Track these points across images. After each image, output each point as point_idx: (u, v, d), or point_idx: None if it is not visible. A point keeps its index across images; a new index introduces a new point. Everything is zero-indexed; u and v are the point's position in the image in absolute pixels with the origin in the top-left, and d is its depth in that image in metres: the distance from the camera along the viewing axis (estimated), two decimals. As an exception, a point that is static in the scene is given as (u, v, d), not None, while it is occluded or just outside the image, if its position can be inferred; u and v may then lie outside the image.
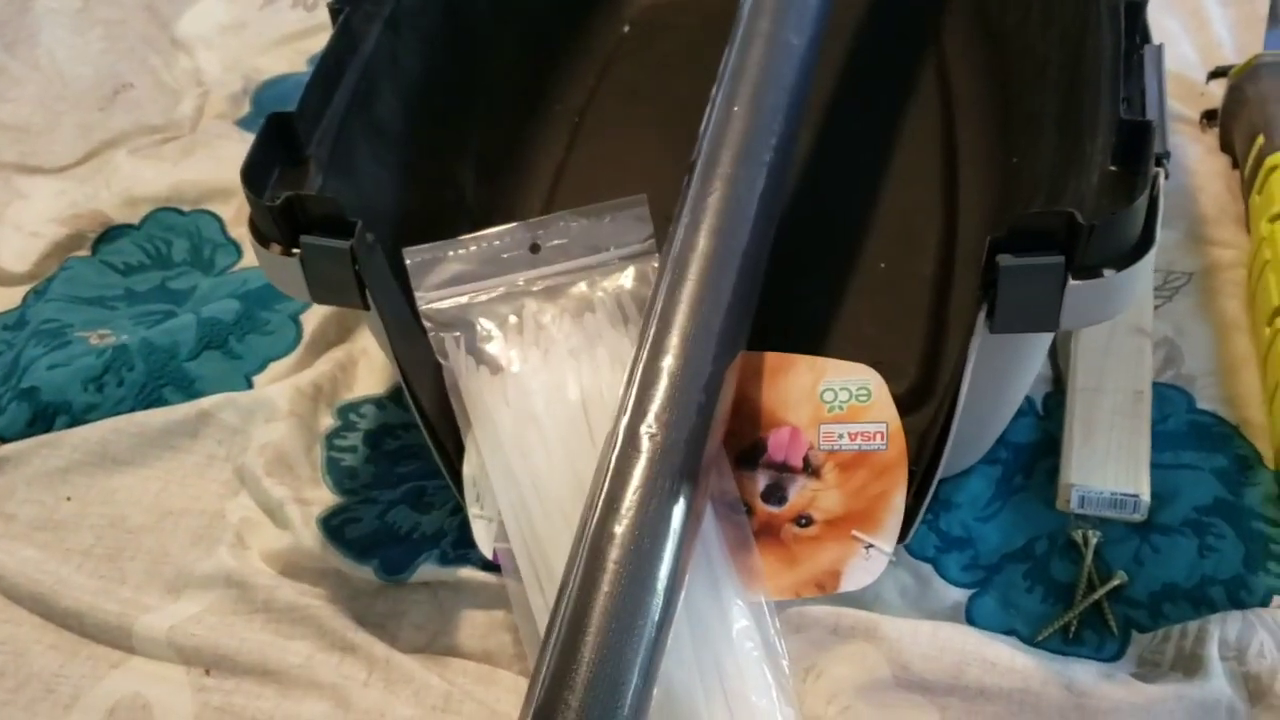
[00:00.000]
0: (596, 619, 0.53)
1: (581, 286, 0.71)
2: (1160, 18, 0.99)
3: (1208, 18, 1.00)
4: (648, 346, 0.60)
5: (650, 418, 0.58)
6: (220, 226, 0.92)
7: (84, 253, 0.92)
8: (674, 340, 0.60)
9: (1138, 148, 0.58)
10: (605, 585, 0.54)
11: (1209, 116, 0.92)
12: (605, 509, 0.56)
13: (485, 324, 0.70)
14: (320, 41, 0.72)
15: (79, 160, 0.99)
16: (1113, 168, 0.59)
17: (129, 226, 0.93)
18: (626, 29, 0.97)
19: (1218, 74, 0.92)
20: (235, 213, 0.92)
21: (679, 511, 0.56)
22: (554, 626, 0.54)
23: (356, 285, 0.61)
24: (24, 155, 1.00)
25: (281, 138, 0.65)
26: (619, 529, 0.55)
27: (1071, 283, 0.55)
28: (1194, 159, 0.90)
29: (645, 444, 0.57)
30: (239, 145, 0.95)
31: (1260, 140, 0.82)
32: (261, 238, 0.63)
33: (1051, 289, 0.55)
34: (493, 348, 0.69)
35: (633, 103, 0.92)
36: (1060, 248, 0.55)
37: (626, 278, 0.71)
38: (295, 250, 0.61)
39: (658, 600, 0.54)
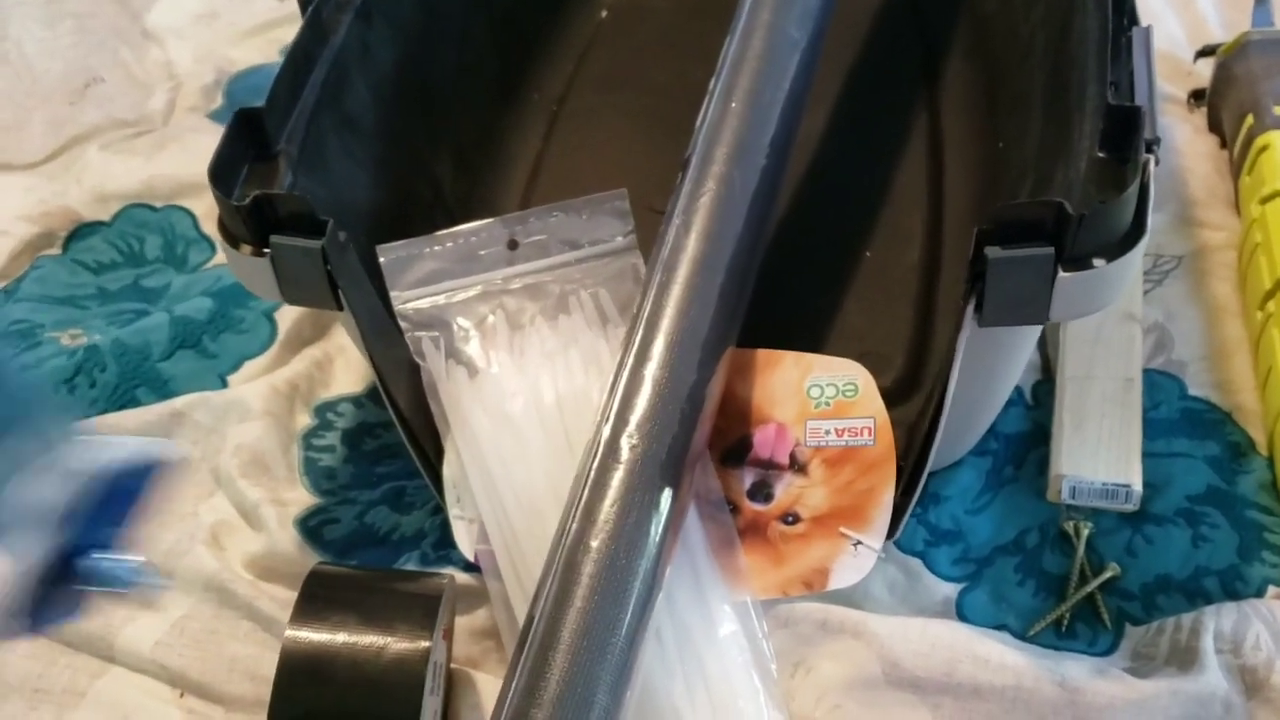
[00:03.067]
0: (568, 635, 0.52)
1: (560, 284, 0.69)
2: (1146, -5, 0.98)
3: (1194, -5, 0.99)
4: (633, 352, 0.58)
5: (632, 427, 0.57)
6: (193, 222, 0.91)
7: (55, 251, 0.90)
8: (659, 347, 0.58)
9: (1127, 134, 0.56)
10: (579, 601, 0.53)
11: (1197, 96, 0.90)
12: (583, 521, 0.55)
13: (463, 323, 0.68)
14: (294, 31, 0.70)
15: (49, 156, 0.97)
16: (1101, 154, 0.58)
17: (100, 224, 0.91)
18: (603, 14, 0.96)
19: (1205, 53, 0.90)
20: (208, 208, 0.91)
21: (658, 524, 0.55)
22: (526, 639, 0.53)
23: (329, 286, 0.60)
24: (-8, 151, 0.98)
25: (250, 134, 0.64)
26: (595, 543, 0.54)
27: (1061, 274, 0.54)
28: (1182, 139, 0.88)
29: (626, 454, 0.56)
30: (211, 139, 0.91)
31: (1250, 120, 0.81)
32: (231, 238, 0.62)
33: (1041, 281, 0.54)
34: (471, 348, 0.68)
35: (611, 90, 0.90)
36: (1049, 238, 0.54)
37: (606, 275, 0.69)
38: (266, 250, 0.60)
39: (631, 617, 0.53)
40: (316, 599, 0.59)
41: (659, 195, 0.69)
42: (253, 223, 0.60)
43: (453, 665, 0.65)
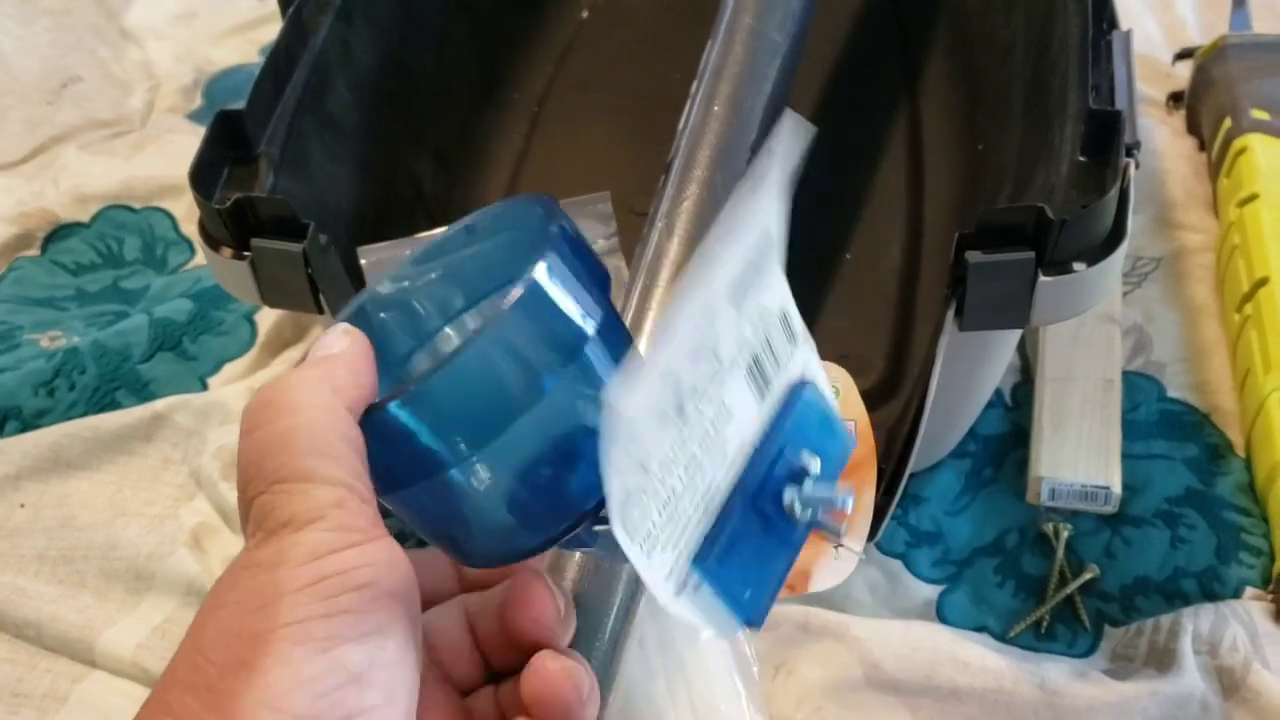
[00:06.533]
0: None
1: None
2: (1125, -2, 0.98)
3: (1172, -3, 0.99)
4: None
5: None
6: (172, 224, 0.90)
7: (33, 252, 0.90)
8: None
9: (1107, 138, 0.57)
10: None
11: (1175, 98, 0.91)
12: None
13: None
14: (274, 31, 0.70)
15: (26, 156, 0.97)
16: (1081, 158, 0.58)
17: (79, 225, 0.91)
18: (585, 15, 0.96)
19: (1184, 55, 0.91)
20: (187, 210, 0.90)
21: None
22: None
23: (310, 289, 0.60)
24: (-31, 152, 0.98)
25: (231, 136, 0.64)
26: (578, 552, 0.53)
27: (1042, 279, 0.54)
28: (1160, 141, 0.89)
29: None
30: (190, 139, 0.93)
31: (1228, 123, 0.82)
32: (211, 240, 0.61)
33: (1021, 285, 0.55)
34: (452, 349, 0.67)
35: (592, 91, 0.90)
36: (1030, 243, 0.54)
37: (588, 276, 0.69)
38: (246, 253, 0.60)
39: (614, 620, 0.53)
40: None
41: (639, 197, 0.69)
42: (233, 226, 0.60)
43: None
